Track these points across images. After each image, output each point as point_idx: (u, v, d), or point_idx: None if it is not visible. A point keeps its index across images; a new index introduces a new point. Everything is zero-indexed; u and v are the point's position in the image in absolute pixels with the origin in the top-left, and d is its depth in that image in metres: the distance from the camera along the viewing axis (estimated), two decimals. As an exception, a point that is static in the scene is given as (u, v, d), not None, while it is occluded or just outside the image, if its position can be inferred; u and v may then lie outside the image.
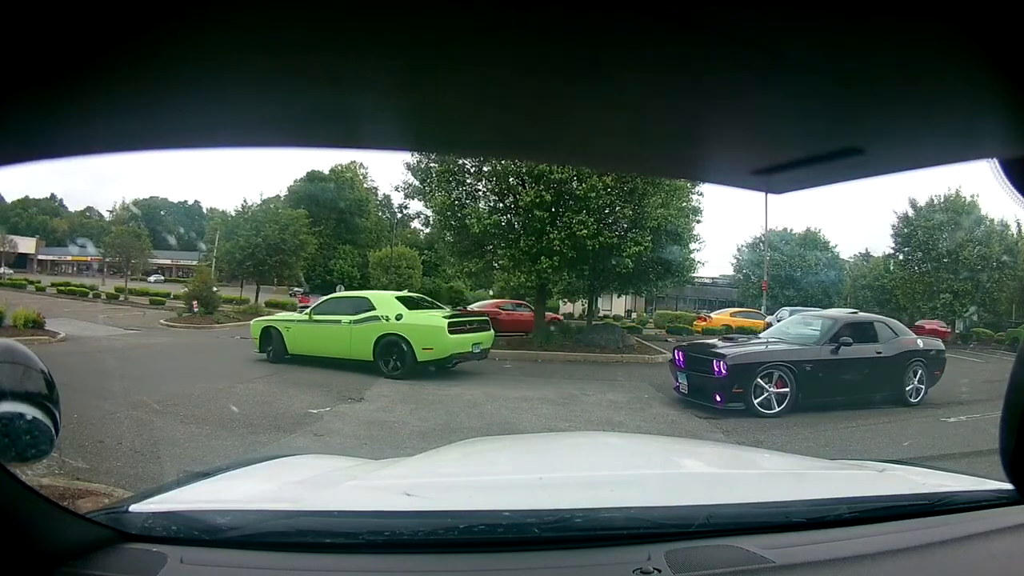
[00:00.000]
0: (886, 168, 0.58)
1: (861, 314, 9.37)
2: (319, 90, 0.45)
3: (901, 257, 22.61)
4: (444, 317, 9.03)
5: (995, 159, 0.57)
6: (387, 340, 8.73)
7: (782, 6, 0.35)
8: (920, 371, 8.08)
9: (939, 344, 8.85)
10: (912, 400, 7.94)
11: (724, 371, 6.96)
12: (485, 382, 8.56)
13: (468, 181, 13.35)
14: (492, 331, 10.01)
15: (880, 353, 7.80)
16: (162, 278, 32.75)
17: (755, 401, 6.91)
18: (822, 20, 0.36)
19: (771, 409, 6.93)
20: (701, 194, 14.16)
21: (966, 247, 20.00)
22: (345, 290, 17.92)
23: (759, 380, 6.97)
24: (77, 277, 28.80)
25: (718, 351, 7.51)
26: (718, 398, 6.95)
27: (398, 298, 9.76)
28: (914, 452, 5.43)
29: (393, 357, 8.66)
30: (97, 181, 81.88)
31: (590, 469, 1.68)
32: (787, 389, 7.03)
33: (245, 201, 28.43)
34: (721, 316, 20.53)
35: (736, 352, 7.47)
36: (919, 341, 8.43)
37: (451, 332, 8.76)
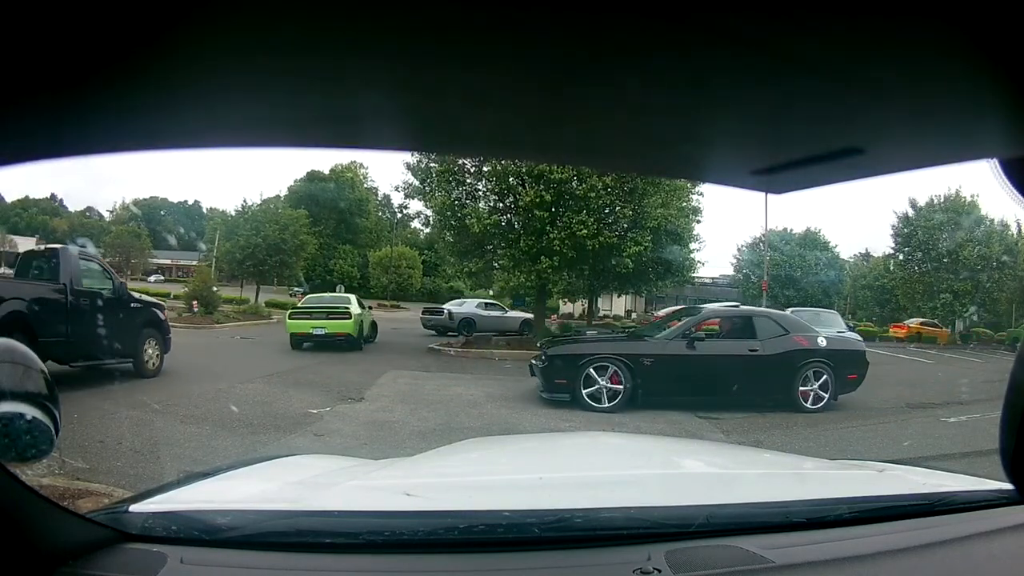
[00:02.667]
0: (886, 168, 0.58)
1: (743, 308, 8.78)
2: (319, 90, 0.45)
3: (901, 257, 22.64)
4: (293, 307, 13.10)
5: (995, 159, 0.57)
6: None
7: (782, 6, 0.35)
8: (823, 374, 7.22)
9: (854, 344, 8.02)
10: (809, 406, 7.09)
11: (546, 361, 7.09)
12: (485, 382, 8.57)
13: (468, 181, 13.38)
14: (347, 320, 12.17)
15: (755, 351, 7.15)
16: (162, 278, 32.70)
17: (584, 393, 6.80)
18: (822, 20, 0.36)
19: (602, 403, 6.76)
20: (701, 194, 14.23)
21: (966, 247, 20.01)
22: (344, 291, 18.80)
23: (589, 372, 6.82)
24: (77, 277, 28.71)
25: (552, 342, 7.58)
26: (546, 387, 7.05)
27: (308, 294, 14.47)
28: (914, 452, 5.43)
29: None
30: (97, 181, 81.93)
31: (590, 469, 1.68)
32: (622, 384, 6.82)
33: (245, 201, 28.38)
34: (913, 324, 21.52)
35: (561, 343, 7.59)
36: (820, 340, 7.55)
37: (290, 318, 12.24)
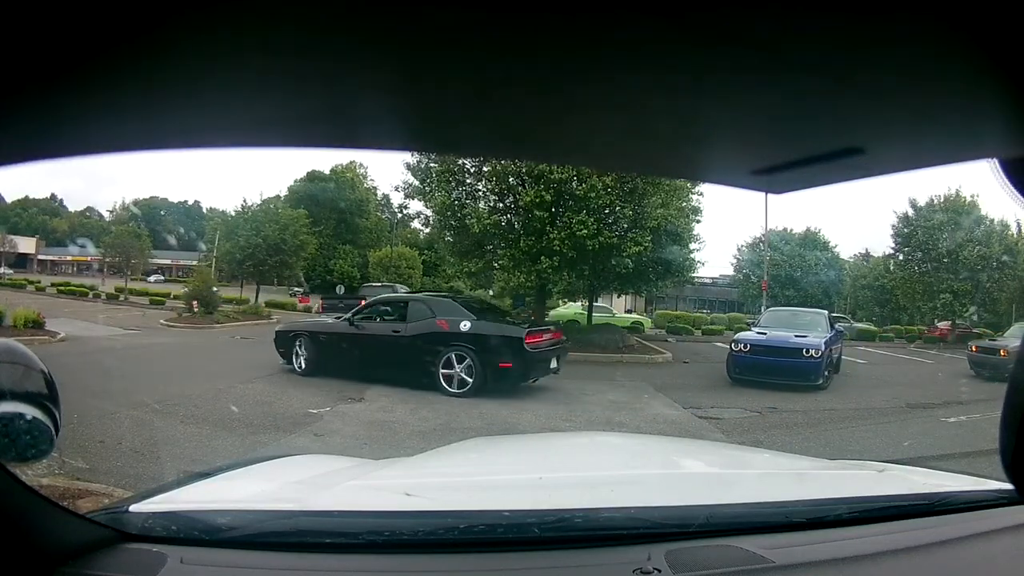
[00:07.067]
0: (886, 168, 0.58)
1: (407, 294, 9.73)
2: (319, 90, 0.45)
3: (901, 257, 22.57)
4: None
5: (995, 159, 0.57)
6: None
7: (781, 6, 0.35)
8: (465, 358, 7.37)
9: (504, 331, 7.79)
10: (451, 388, 7.33)
11: (275, 336, 8.94)
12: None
13: (468, 181, 13.37)
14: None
15: (398, 332, 7.92)
16: (162, 278, 32.63)
17: (293, 361, 8.44)
18: (822, 20, 0.36)
19: (301, 368, 8.34)
20: (701, 194, 14.17)
21: (966, 247, 19.96)
22: (345, 291, 19.01)
23: (295, 345, 8.48)
24: (77, 277, 28.70)
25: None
26: (280, 356, 8.73)
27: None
28: (914, 452, 5.43)
29: None
30: (96, 181, 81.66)
31: (590, 469, 1.68)
32: (310, 354, 8.36)
33: (245, 201, 28.30)
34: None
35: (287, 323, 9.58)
36: (463, 324, 7.64)
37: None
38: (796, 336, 9.39)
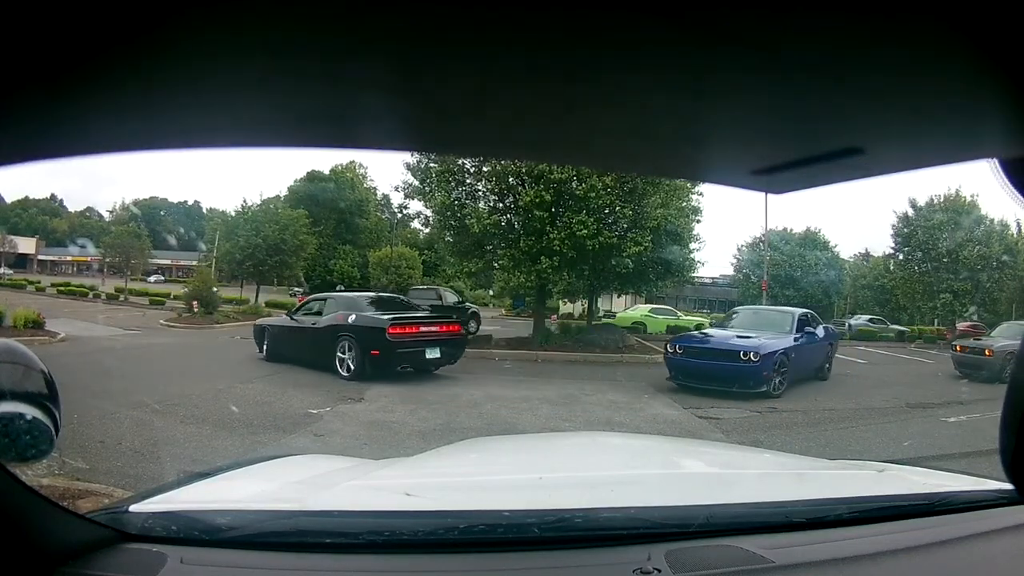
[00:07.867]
0: (886, 168, 0.58)
1: (325, 293, 11.25)
2: (319, 90, 0.45)
3: (901, 257, 22.60)
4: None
5: (995, 159, 0.57)
6: None
7: (781, 6, 0.35)
8: (352, 347, 8.43)
9: (374, 322, 8.65)
10: (343, 373, 8.39)
11: (253, 330, 10.78)
12: (485, 382, 8.56)
13: (468, 181, 13.36)
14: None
15: (315, 324, 9.24)
16: (162, 278, 32.65)
17: (262, 349, 10.11)
18: (822, 20, 0.36)
19: (264, 355, 9.97)
20: (701, 194, 14.19)
21: (966, 247, 19.97)
22: (345, 291, 18.96)
23: (263, 336, 10.16)
24: (77, 277, 28.72)
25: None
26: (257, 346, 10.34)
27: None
28: (914, 452, 5.43)
29: None
30: (96, 181, 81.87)
31: (590, 469, 1.68)
32: (269, 345, 9.97)
33: (245, 201, 28.35)
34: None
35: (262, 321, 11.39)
36: (351, 317, 8.83)
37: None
38: (739, 337, 8.41)
